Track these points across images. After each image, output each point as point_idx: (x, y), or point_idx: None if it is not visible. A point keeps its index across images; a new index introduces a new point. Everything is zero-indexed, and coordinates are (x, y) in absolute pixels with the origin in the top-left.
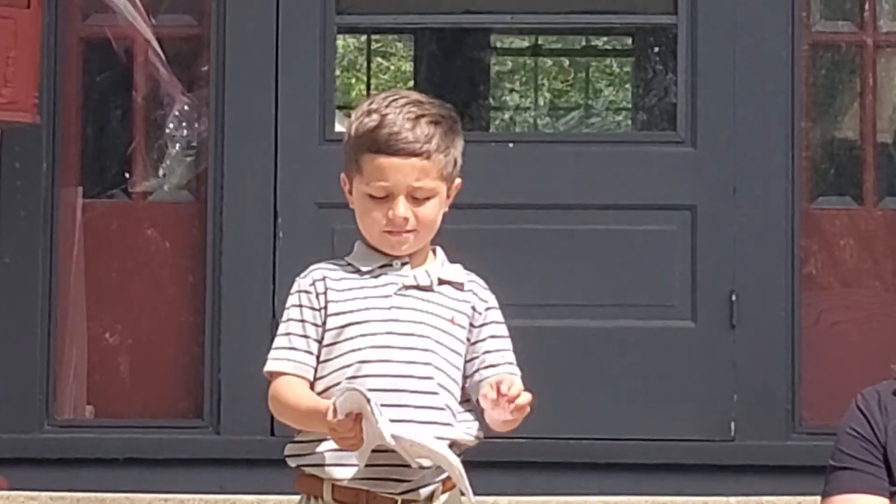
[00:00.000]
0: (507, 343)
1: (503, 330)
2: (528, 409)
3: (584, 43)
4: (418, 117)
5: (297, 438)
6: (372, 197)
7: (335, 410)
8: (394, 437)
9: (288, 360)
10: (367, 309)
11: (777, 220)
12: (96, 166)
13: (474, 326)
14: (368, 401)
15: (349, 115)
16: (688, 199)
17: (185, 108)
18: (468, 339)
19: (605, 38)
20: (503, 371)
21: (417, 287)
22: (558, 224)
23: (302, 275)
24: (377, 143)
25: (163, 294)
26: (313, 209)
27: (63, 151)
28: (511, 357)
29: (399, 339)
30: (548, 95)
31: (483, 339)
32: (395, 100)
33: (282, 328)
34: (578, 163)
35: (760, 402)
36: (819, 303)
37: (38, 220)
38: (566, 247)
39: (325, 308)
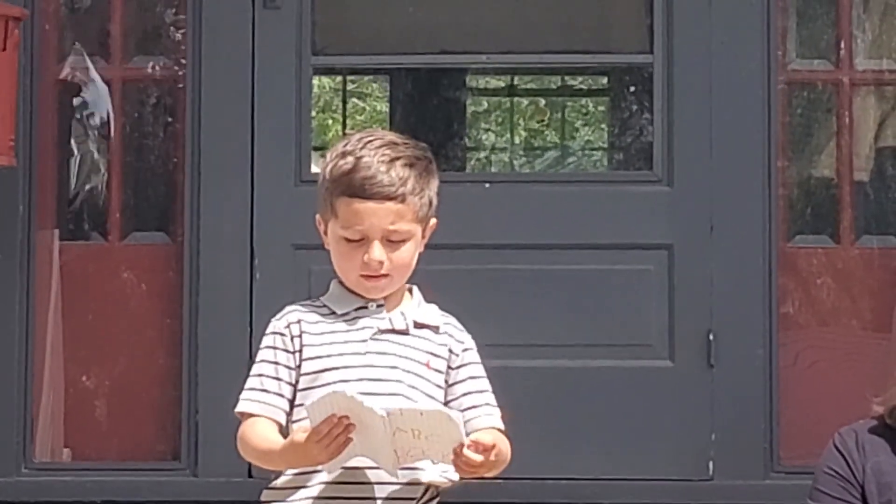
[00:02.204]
0: (486, 383)
1: (480, 370)
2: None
3: (559, 83)
4: (393, 160)
5: (275, 484)
6: (347, 240)
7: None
8: (387, 411)
9: (258, 402)
10: (342, 354)
11: (754, 259)
12: (72, 209)
13: (451, 368)
14: (345, 393)
15: (325, 157)
16: (664, 238)
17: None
18: (446, 381)
19: (580, 78)
20: (483, 412)
21: (393, 331)
22: (535, 264)
23: (277, 316)
24: (352, 186)
25: (140, 336)
26: (290, 251)
27: (39, 194)
28: (490, 397)
29: (373, 385)
30: (523, 135)
31: (462, 381)
32: (370, 142)
33: (254, 369)
34: (555, 202)
35: (739, 442)
36: (797, 342)
37: (15, 263)
38: (543, 287)
39: (301, 351)
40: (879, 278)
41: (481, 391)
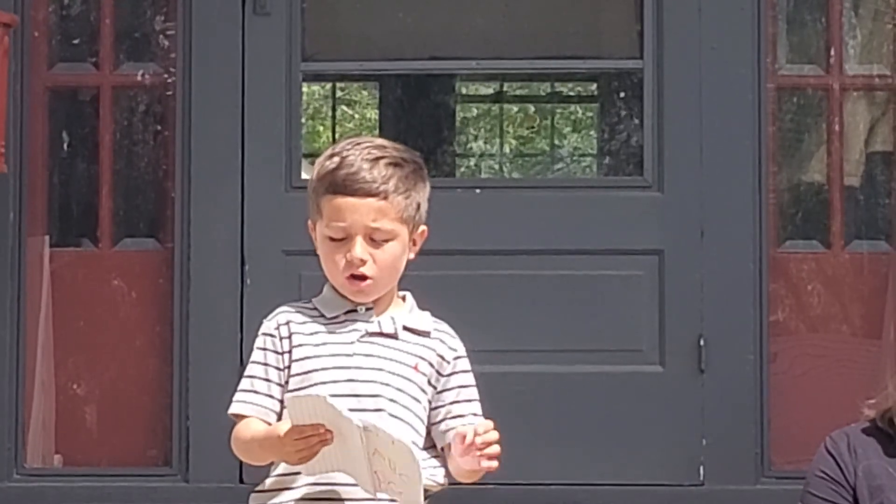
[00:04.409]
0: (474, 392)
1: (470, 379)
2: (496, 461)
3: (549, 89)
4: (377, 159)
5: (262, 487)
6: (332, 239)
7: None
8: (363, 424)
9: (249, 404)
10: (330, 356)
11: (744, 264)
12: (63, 215)
13: (442, 375)
14: (325, 399)
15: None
16: (655, 243)
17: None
18: (434, 387)
19: (570, 84)
20: (468, 422)
21: (381, 334)
22: (525, 270)
23: (268, 317)
24: (335, 183)
25: (130, 342)
26: (280, 256)
27: (29, 201)
28: (477, 407)
29: (360, 387)
30: (513, 142)
31: (451, 389)
32: (359, 143)
33: (246, 371)
34: (545, 208)
35: (729, 447)
36: (787, 347)
37: (6, 270)
38: (533, 292)
39: (290, 353)
40: (869, 283)
41: (469, 400)
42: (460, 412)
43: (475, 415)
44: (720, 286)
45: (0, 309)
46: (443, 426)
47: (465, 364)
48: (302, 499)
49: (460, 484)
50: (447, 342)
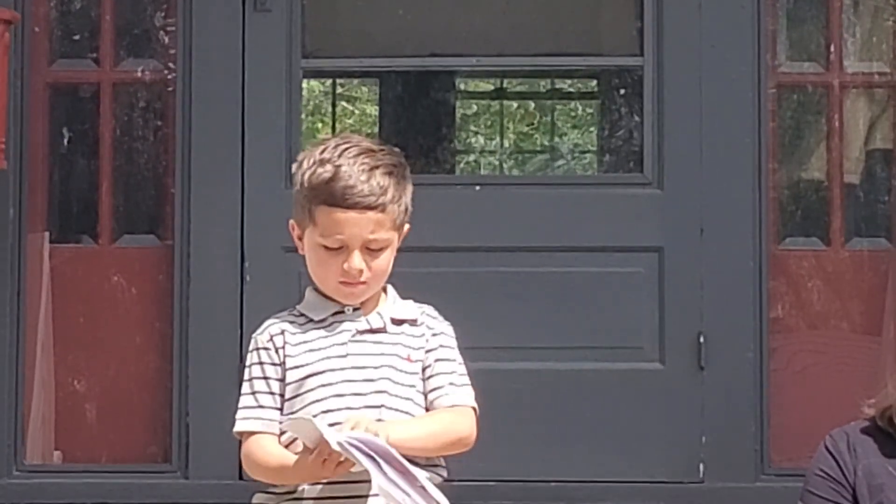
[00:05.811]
0: (451, 365)
1: (449, 353)
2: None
3: (549, 86)
4: (373, 169)
5: (268, 489)
6: (326, 248)
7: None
8: (339, 443)
9: (258, 419)
10: (324, 359)
11: (744, 262)
12: (63, 212)
13: (426, 354)
14: (312, 422)
15: (300, 162)
16: (655, 240)
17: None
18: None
19: (570, 81)
20: (445, 392)
21: (371, 331)
22: (525, 267)
23: (258, 331)
24: (333, 196)
25: (130, 339)
26: (280, 253)
27: (29, 197)
28: (454, 378)
29: (357, 386)
30: (513, 138)
31: (429, 365)
32: (347, 149)
33: (246, 387)
34: (545, 205)
35: (729, 444)
36: (787, 344)
37: (5, 266)
38: (533, 289)
39: (284, 363)
40: (869, 280)
41: (445, 373)
42: (437, 385)
43: (452, 384)
44: (720, 283)
45: (0, 305)
46: (427, 400)
47: (443, 339)
48: (314, 498)
49: (459, 480)
50: (428, 323)
